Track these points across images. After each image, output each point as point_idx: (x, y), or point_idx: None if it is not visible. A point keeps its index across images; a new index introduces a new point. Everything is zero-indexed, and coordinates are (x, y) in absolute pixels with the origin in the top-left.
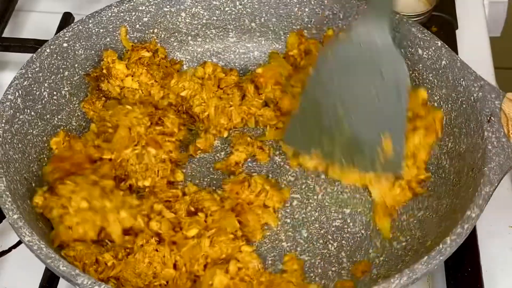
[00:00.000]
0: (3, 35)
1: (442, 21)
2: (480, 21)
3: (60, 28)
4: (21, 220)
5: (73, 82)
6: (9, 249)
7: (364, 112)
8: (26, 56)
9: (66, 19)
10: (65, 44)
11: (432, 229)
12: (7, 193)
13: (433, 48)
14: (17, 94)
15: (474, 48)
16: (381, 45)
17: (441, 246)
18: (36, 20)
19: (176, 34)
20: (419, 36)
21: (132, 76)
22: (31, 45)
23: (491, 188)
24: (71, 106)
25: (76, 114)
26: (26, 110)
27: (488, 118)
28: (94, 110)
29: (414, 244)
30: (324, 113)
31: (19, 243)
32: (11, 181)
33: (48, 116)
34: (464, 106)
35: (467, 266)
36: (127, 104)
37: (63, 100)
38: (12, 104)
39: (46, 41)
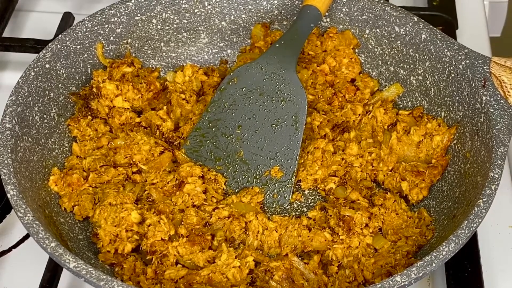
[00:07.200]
0: (3, 35)
1: (442, 21)
2: (480, 21)
3: (60, 28)
4: (60, 247)
5: (59, 103)
6: (9, 249)
7: (260, 139)
8: (26, 56)
9: (66, 19)
10: (47, 65)
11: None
12: (37, 222)
13: (410, 24)
14: (14, 121)
15: (474, 48)
16: (286, 77)
17: (476, 209)
18: (36, 20)
19: (149, 41)
20: (394, 14)
21: (122, 95)
22: (31, 45)
23: (505, 149)
24: (60, 127)
25: (66, 136)
26: (24, 137)
27: (483, 83)
28: (78, 128)
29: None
30: (221, 136)
31: (19, 243)
32: (33, 211)
33: (42, 140)
34: (452, 75)
35: (467, 266)
36: None
37: (53, 123)
38: (13, 133)
39: (46, 41)
